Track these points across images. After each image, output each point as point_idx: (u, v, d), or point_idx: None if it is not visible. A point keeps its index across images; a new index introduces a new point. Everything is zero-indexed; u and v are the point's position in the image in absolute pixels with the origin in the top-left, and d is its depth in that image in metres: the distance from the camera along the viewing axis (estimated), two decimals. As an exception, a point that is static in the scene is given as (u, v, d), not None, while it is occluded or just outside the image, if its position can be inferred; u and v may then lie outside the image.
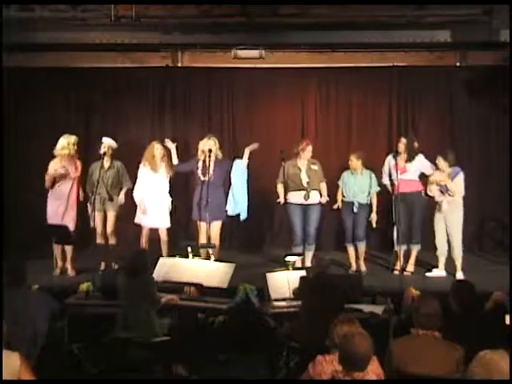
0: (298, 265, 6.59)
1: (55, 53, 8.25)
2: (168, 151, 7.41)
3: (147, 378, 4.81)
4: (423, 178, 7.36)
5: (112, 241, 7.36)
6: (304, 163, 7.33)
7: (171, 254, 6.97)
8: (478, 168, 8.26)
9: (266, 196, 7.88)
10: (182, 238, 8.12)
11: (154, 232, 7.41)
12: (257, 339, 5.56)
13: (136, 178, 7.40)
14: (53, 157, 7.22)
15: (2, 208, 7.95)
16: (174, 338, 5.19)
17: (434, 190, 7.08)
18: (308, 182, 7.27)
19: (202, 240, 7.12)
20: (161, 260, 6.19)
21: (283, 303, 5.61)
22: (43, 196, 7.28)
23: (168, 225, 7.39)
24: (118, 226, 7.42)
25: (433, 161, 7.21)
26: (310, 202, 7.28)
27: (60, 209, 7.13)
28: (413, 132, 8.25)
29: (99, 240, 7.35)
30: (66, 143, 7.15)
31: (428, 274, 7.19)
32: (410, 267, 7.33)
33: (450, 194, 6.98)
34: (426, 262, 7.49)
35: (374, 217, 7.37)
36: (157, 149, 7.29)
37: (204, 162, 7.16)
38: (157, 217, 7.33)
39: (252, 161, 7.37)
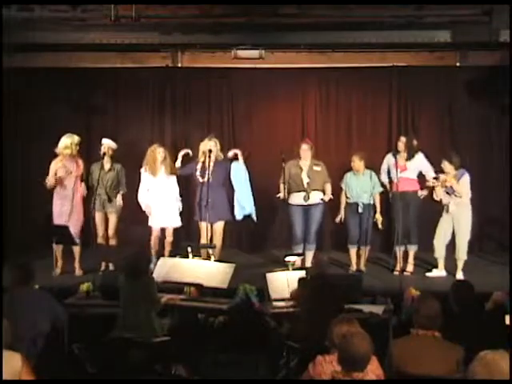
0: (299, 265, 6.60)
1: (55, 53, 8.25)
2: (169, 154, 7.40)
3: (147, 378, 4.82)
4: (421, 177, 7.36)
5: (113, 242, 7.36)
6: (306, 164, 7.33)
7: (172, 255, 6.99)
8: (477, 168, 8.25)
9: (266, 196, 7.87)
10: (184, 239, 8.13)
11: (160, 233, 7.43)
12: (257, 339, 5.57)
13: (137, 182, 7.39)
14: (55, 156, 7.21)
15: (3, 208, 7.95)
16: (174, 338, 5.19)
17: (440, 194, 7.04)
18: (308, 183, 7.26)
19: (204, 240, 7.12)
20: (161, 260, 6.20)
21: (283, 303, 5.61)
22: (43, 196, 7.29)
23: (178, 224, 7.40)
24: (120, 228, 7.42)
25: (434, 162, 7.21)
26: (310, 202, 7.28)
27: (65, 208, 7.12)
28: (413, 132, 8.26)
29: (100, 240, 7.34)
30: (68, 143, 7.14)
31: (428, 274, 7.19)
32: (410, 267, 7.33)
33: (456, 195, 6.96)
34: (426, 262, 7.49)
35: (379, 217, 7.34)
36: (158, 152, 7.27)
37: (203, 163, 7.16)
38: (165, 217, 7.32)
39: (252, 161, 7.37)
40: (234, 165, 7.28)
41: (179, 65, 8.74)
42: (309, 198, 7.26)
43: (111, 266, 7.19)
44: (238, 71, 8.55)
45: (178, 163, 7.35)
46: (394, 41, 7.78)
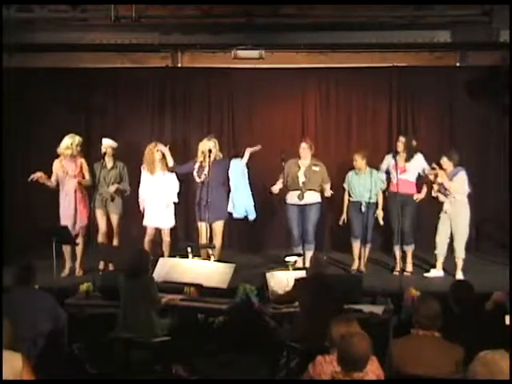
0: (300, 265, 6.60)
1: (55, 53, 8.24)
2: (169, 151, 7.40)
3: (147, 378, 4.83)
4: (419, 179, 7.37)
5: (115, 241, 7.35)
6: (305, 163, 7.32)
7: (171, 255, 6.99)
8: (477, 168, 8.25)
9: (266, 196, 7.87)
10: (183, 239, 8.12)
11: (156, 233, 7.42)
12: (257, 339, 5.57)
13: (137, 181, 7.39)
14: (56, 156, 7.21)
15: (3, 208, 7.95)
16: (174, 338, 5.19)
17: (436, 189, 7.09)
18: (304, 182, 7.24)
19: (203, 240, 7.12)
20: (161, 260, 6.19)
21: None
22: (43, 196, 7.28)
23: (172, 224, 7.40)
24: (122, 227, 7.42)
25: (434, 161, 7.21)
26: (305, 202, 7.25)
27: (69, 208, 7.12)
28: (412, 132, 8.26)
29: (101, 239, 7.35)
30: (69, 143, 7.14)
31: (426, 275, 7.19)
32: (409, 267, 7.33)
33: (447, 194, 6.98)
34: (426, 262, 7.50)
35: (380, 213, 7.34)
36: (156, 151, 7.29)
37: (201, 163, 7.15)
38: (159, 217, 7.32)
39: (252, 161, 7.36)
40: (233, 162, 7.29)
41: (179, 65, 8.74)
42: (303, 197, 7.23)
43: (111, 266, 7.18)
44: (238, 71, 8.55)
45: (170, 162, 7.32)
46: (394, 41, 7.76)
